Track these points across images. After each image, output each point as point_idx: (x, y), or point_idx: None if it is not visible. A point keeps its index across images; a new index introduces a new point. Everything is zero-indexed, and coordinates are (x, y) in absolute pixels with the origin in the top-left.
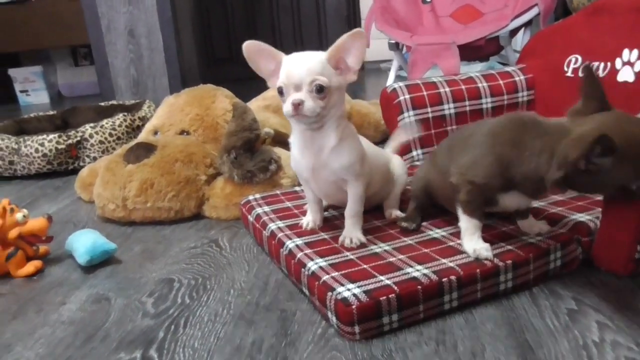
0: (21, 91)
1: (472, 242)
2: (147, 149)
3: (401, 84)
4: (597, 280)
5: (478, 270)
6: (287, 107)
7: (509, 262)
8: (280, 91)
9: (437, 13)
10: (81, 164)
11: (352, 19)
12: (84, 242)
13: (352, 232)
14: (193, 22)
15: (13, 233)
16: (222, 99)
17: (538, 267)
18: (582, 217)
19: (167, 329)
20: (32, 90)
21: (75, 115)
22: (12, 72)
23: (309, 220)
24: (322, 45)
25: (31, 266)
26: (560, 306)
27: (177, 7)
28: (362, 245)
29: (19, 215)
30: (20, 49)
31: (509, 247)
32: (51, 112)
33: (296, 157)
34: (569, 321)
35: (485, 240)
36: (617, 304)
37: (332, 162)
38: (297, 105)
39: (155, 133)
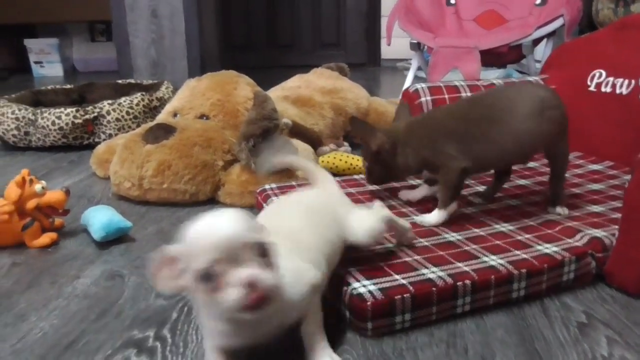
0: (35, 62)
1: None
2: (167, 130)
3: (423, 85)
4: (608, 296)
5: (492, 277)
6: (234, 294)
7: (524, 270)
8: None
9: (460, 16)
10: (96, 140)
11: (371, 15)
12: (100, 218)
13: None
14: (215, 8)
15: (31, 204)
16: (244, 86)
17: (551, 278)
18: (598, 232)
19: (180, 311)
20: (47, 62)
21: (92, 91)
22: (28, 42)
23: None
24: (339, 39)
25: (46, 238)
26: (570, 319)
27: None
28: None
29: (37, 187)
30: (37, 21)
31: (525, 256)
32: (68, 86)
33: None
34: (579, 334)
35: (500, 249)
36: (627, 320)
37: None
38: (253, 284)
39: (175, 115)
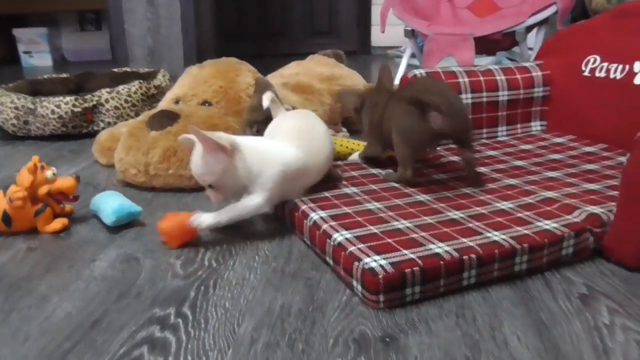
0: (25, 52)
1: None
2: (171, 117)
3: (422, 70)
4: (607, 270)
5: (496, 251)
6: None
7: (526, 245)
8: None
9: (454, 4)
10: (95, 128)
11: (363, 3)
12: (111, 203)
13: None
14: None
15: (43, 190)
16: (245, 74)
17: (552, 252)
18: (595, 209)
19: (197, 289)
20: (36, 52)
21: (89, 80)
22: (17, 32)
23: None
24: (331, 27)
25: (58, 223)
26: (572, 291)
27: None
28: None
29: (49, 173)
30: (26, 10)
31: (526, 231)
32: (65, 75)
33: None
34: (581, 305)
35: (502, 225)
36: (627, 292)
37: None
38: (209, 199)
39: (177, 102)
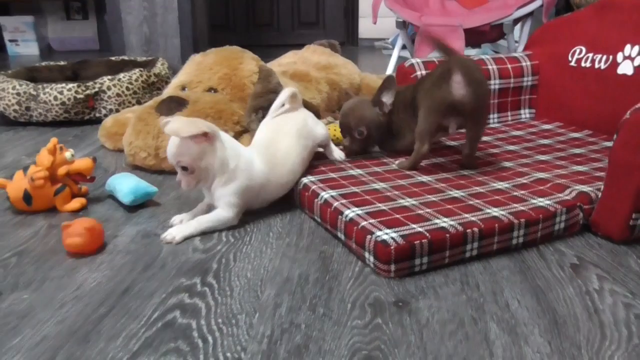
0: (10, 40)
1: None
2: (179, 102)
3: (418, 60)
4: (595, 243)
5: (496, 225)
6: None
7: (522, 220)
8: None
9: None
10: (97, 114)
11: None
12: (128, 184)
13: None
14: None
15: (62, 170)
16: (249, 61)
17: (546, 227)
18: (584, 188)
19: (219, 262)
20: (22, 40)
21: (86, 68)
22: (2, 20)
23: (174, 218)
24: (318, 19)
25: (77, 202)
26: (564, 261)
27: None
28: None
29: (67, 154)
30: None
31: (522, 208)
32: (62, 63)
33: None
34: (573, 273)
35: (500, 202)
36: (613, 262)
37: (213, 201)
38: (179, 184)
39: (183, 88)
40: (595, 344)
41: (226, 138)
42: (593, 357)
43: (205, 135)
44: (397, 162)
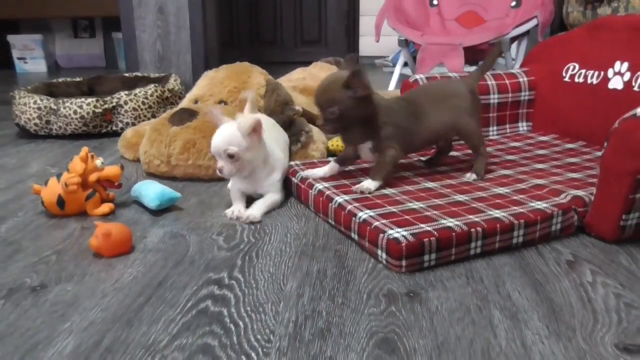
0: (19, 58)
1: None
2: (190, 114)
3: (422, 75)
4: (589, 242)
5: (498, 225)
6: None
7: (522, 221)
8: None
9: (443, 16)
10: (114, 128)
11: (351, 15)
12: (154, 189)
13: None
14: (216, 5)
15: (93, 177)
16: (257, 75)
17: (543, 228)
18: (579, 192)
19: (243, 258)
20: (30, 58)
21: (101, 83)
22: (11, 38)
23: (233, 209)
24: (320, 37)
25: (106, 207)
26: (561, 258)
27: None
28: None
29: (98, 162)
30: (20, 16)
31: (522, 210)
32: (78, 79)
33: (236, 182)
34: (568, 268)
35: (501, 205)
36: (605, 259)
37: (260, 189)
38: (221, 170)
39: (196, 102)
40: (589, 327)
41: (266, 136)
42: (587, 338)
43: (255, 130)
44: (468, 175)
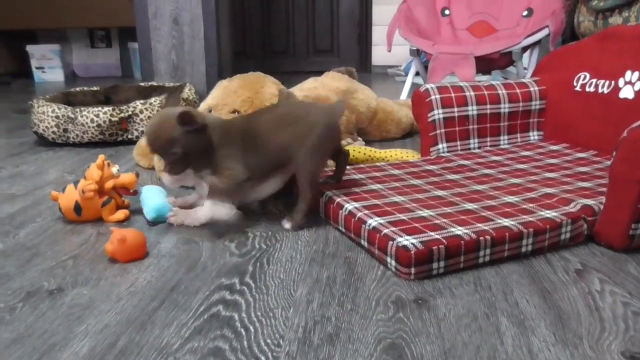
0: (37, 68)
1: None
2: None
3: (432, 85)
4: (598, 251)
5: (507, 234)
6: None
7: (531, 229)
8: None
9: (454, 26)
10: (129, 136)
11: (363, 24)
12: (156, 200)
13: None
14: (229, 16)
15: (109, 184)
16: (270, 85)
17: (552, 236)
18: (588, 201)
19: (254, 265)
20: (48, 67)
21: (117, 93)
22: (30, 48)
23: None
24: (332, 47)
25: (121, 214)
26: (569, 267)
27: (219, 1)
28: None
29: (114, 169)
30: (38, 27)
31: (531, 219)
32: (95, 88)
33: None
34: (577, 277)
35: (510, 214)
36: (614, 268)
37: None
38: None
39: (210, 111)
40: (596, 335)
41: None
42: (593, 346)
43: None
44: (283, 222)
